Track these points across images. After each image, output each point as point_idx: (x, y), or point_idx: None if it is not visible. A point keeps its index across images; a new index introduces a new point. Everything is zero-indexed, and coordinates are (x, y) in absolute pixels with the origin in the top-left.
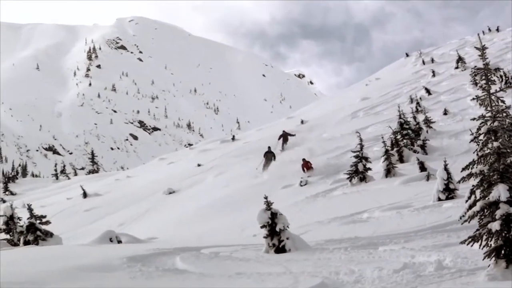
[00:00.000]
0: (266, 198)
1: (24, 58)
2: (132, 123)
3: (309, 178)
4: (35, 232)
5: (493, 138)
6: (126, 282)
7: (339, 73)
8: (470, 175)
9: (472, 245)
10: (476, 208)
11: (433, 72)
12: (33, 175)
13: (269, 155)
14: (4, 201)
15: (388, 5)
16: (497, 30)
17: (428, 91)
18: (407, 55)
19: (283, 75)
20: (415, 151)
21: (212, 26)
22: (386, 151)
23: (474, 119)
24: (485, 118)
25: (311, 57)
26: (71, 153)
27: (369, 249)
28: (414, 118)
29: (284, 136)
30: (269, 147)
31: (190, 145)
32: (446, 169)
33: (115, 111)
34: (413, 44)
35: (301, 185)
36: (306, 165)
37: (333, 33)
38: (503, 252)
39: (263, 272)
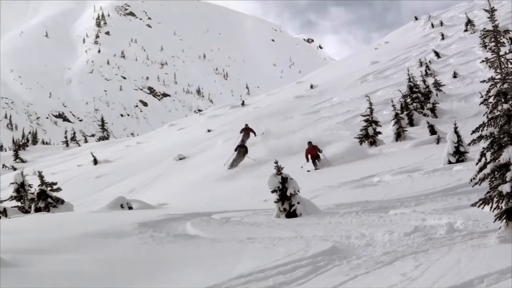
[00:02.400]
0: (276, 162)
1: (33, 26)
2: (141, 89)
3: (319, 143)
4: (46, 199)
5: (503, 100)
6: (138, 247)
7: (368, 41)
8: (480, 138)
9: (482, 208)
10: (487, 170)
11: (442, 35)
12: (43, 142)
13: (241, 150)
14: (14, 169)
15: None
16: None
17: (437, 54)
18: (416, 18)
19: (292, 40)
20: (425, 115)
21: None
22: (396, 115)
23: (483, 81)
24: (495, 80)
25: (341, 24)
26: (81, 120)
27: (379, 213)
28: (424, 81)
29: (246, 130)
30: (242, 140)
31: (199, 111)
32: (456, 132)
33: (124, 78)
34: (441, 7)
35: None
36: (313, 152)
37: (363, 1)
38: None
39: (274, 236)
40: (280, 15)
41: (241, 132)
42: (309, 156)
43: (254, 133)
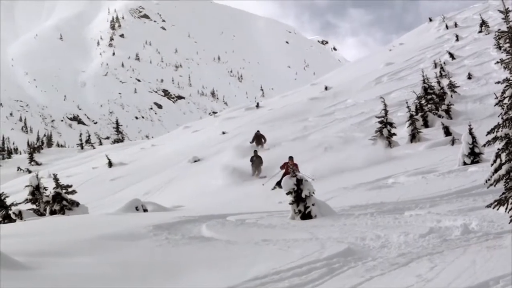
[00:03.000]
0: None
1: (47, 29)
2: (156, 92)
3: (334, 145)
4: (61, 202)
5: None
6: (153, 250)
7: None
8: (495, 139)
9: (498, 209)
10: (502, 171)
11: (456, 36)
12: (58, 145)
13: (257, 160)
14: (29, 171)
15: None
16: None
17: (451, 56)
18: (430, 19)
19: (306, 41)
20: (439, 116)
21: None
22: (411, 116)
23: (498, 82)
24: (510, 82)
25: (360, 26)
26: (95, 123)
27: (394, 214)
28: (438, 82)
29: (258, 137)
30: (255, 151)
31: (214, 113)
32: (471, 133)
33: (139, 80)
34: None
35: (326, 151)
36: (286, 169)
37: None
38: None
39: (289, 238)
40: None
41: (252, 142)
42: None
43: (265, 139)
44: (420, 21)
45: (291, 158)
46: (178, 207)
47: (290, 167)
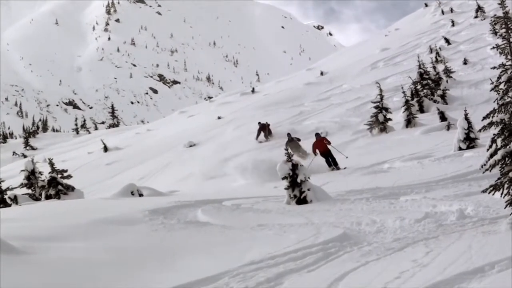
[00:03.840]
0: (286, 149)
1: (42, 14)
2: (151, 76)
3: (330, 130)
4: (56, 186)
5: None
6: (149, 234)
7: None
8: (491, 124)
9: (493, 194)
10: (497, 156)
11: (452, 22)
12: (53, 129)
13: (293, 144)
14: (25, 156)
15: None
16: None
17: (447, 41)
18: (426, 5)
19: (302, 27)
20: (435, 101)
21: None
22: (406, 102)
23: (494, 68)
24: (505, 67)
25: (363, 13)
26: (91, 108)
27: (390, 199)
28: (434, 68)
29: (264, 128)
30: (288, 134)
31: (210, 98)
32: (466, 118)
33: (134, 65)
34: None
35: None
36: (320, 145)
37: None
38: None
39: (284, 223)
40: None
41: (258, 137)
42: (317, 150)
43: (270, 131)
44: (420, 7)
45: (317, 134)
46: (174, 191)
47: (324, 141)
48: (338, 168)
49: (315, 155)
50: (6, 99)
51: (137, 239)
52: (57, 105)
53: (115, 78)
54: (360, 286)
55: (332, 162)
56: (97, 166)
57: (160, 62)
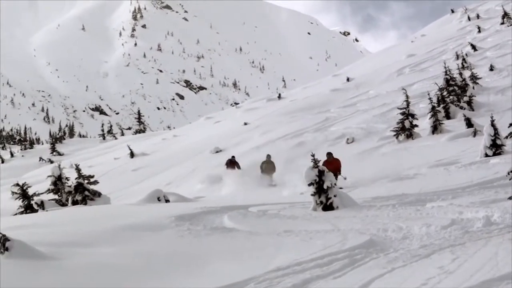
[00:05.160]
0: (313, 156)
1: (69, 19)
2: (178, 82)
3: (356, 136)
4: (83, 192)
5: None
6: (175, 240)
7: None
8: None
9: None
10: None
11: (478, 28)
12: (80, 135)
13: (269, 165)
14: (51, 162)
15: None
16: None
17: (474, 47)
18: (452, 11)
19: (328, 33)
20: (461, 108)
21: None
22: (433, 108)
23: None
24: None
25: (401, 19)
26: (117, 113)
27: (416, 206)
28: (460, 74)
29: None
30: (268, 156)
31: (236, 104)
32: (493, 124)
33: (161, 71)
34: None
35: (348, 143)
36: (334, 165)
37: None
38: None
39: (311, 229)
40: (341, 11)
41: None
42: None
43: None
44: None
45: (329, 154)
46: (200, 197)
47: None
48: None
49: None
50: (33, 104)
51: (164, 245)
52: (84, 111)
53: (142, 84)
54: None
55: None
56: (123, 172)
57: (186, 68)
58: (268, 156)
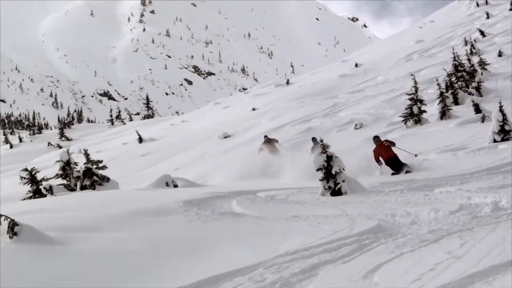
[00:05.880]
0: (321, 141)
1: (77, 5)
2: (186, 68)
3: (364, 121)
4: (91, 177)
5: None
6: (183, 225)
7: None
8: None
9: None
10: None
11: (487, 14)
12: (88, 120)
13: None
14: (60, 147)
15: None
16: None
17: (482, 33)
18: None
19: (336, 18)
20: (470, 93)
21: None
22: (441, 94)
23: None
24: None
25: (415, 5)
26: (126, 99)
27: (425, 191)
28: (469, 60)
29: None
30: (265, 136)
31: (244, 89)
32: (501, 110)
33: (169, 57)
34: None
35: (356, 128)
36: (383, 151)
37: None
38: None
39: (319, 214)
40: None
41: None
42: (381, 159)
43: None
44: None
45: (376, 137)
46: (208, 182)
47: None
48: (409, 171)
49: (380, 164)
50: (42, 90)
51: (172, 230)
52: (92, 96)
53: (150, 70)
54: (394, 278)
55: (400, 167)
56: (132, 157)
57: (195, 54)
58: (265, 136)
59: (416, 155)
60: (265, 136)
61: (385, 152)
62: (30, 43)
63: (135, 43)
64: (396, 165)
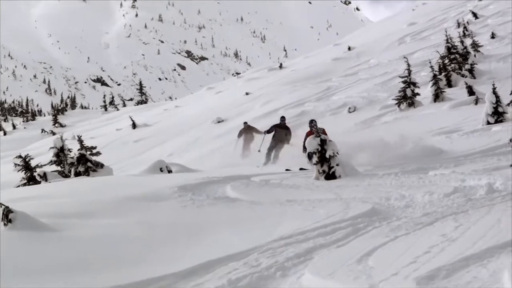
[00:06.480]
0: (315, 124)
1: None
2: (179, 53)
3: (358, 105)
4: (85, 163)
5: None
6: (178, 211)
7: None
8: None
9: None
10: None
11: None
12: (82, 107)
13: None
14: (54, 133)
15: None
16: None
17: (475, 15)
18: None
19: (329, 2)
20: (463, 75)
21: None
22: (434, 76)
23: None
24: None
25: None
26: (119, 84)
27: (419, 174)
28: (462, 42)
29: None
30: (245, 123)
31: (237, 74)
32: (494, 92)
33: (162, 42)
34: None
35: (350, 112)
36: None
37: None
38: None
39: (313, 198)
40: None
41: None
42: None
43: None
44: None
45: (313, 122)
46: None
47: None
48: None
49: (305, 152)
50: (35, 76)
51: (166, 215)
52: (85, 82)
53: (143, 55)
54: (389, 261)
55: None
56: (125, 143)
57: (187, 38)
58: (245, 123)
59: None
60: (245, 123)
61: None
62: (23, 29)
63: (128, 29)
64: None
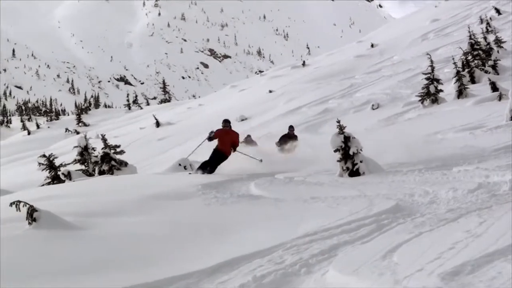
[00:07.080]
0: (338, 122)
1: None
2: (202, 51)
3: (381, 102)
4: (109, 162)
5: None
6: (202, 209)
7: None
8: None
9: None
10: None
11: None
12: (105, 106)
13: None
14: (77, 133)
15: None
16: None
17: (498, 11)
18: None
19: None
20: (486, 72)
21: None
22: (457, 72)
23: None
24: None
25: None
26: (142, 83)
27: (443, 170)
28: (485, 38)
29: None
30: (249, 137)
31: (260, 71)
32: None
33: (185, 40)
34: None
35: (373, 109)
36: (227, 139)
37: None
38: None
39: (337, 196)
40: None
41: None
42: (217, 142)
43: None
44: None
45: (291, 128)
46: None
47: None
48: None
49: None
50: (58, 76)
51: (191, 213)
52: (109, 81)
53: (166, 54)
54: (414, 257)
55: (213, 168)
56: (149, 141)
57: (210, 37)
58: (291, 127)
59: (261, 160)
60: (248, 136)
61: (226, 140)
62: (46, 29)
63: (151, 28)
64: (214, 162)
